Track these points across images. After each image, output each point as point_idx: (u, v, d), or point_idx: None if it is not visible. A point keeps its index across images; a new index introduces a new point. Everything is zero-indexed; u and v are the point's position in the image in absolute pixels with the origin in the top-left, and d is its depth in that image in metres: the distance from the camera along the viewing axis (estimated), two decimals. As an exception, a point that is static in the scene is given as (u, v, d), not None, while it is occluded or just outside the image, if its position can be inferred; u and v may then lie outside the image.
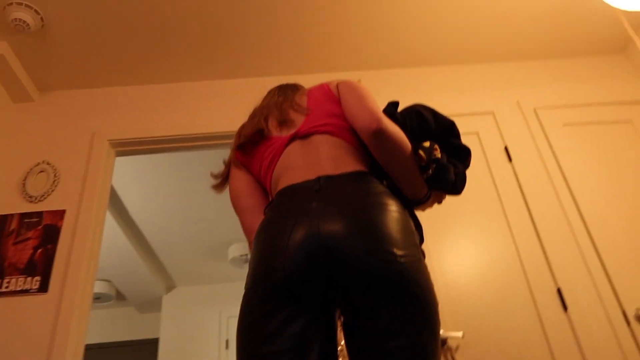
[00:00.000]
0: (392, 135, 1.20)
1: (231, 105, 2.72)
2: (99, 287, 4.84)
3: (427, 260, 2.10)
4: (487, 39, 2.75)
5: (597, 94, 2.69)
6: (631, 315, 2.03)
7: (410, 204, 1.28)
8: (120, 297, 5.27)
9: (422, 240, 1.26)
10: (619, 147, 2.50)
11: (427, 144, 1.26)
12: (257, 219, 1.31)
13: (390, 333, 0.99)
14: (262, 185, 1.39)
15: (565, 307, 2.05)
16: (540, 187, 2.37)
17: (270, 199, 1.34)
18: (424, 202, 1.30)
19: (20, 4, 2.27)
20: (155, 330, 5.32)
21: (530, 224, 2.27)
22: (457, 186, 1.30)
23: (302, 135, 1.31)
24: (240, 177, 1.40)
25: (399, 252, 1.03)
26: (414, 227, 1.15)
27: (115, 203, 3.68)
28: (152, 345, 5.22)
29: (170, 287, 5.27)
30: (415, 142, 1.27)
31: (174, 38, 2.55)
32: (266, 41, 2.62)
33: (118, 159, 2.70)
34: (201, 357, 4.88)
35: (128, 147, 2.62)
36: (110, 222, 3.74)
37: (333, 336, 1.08)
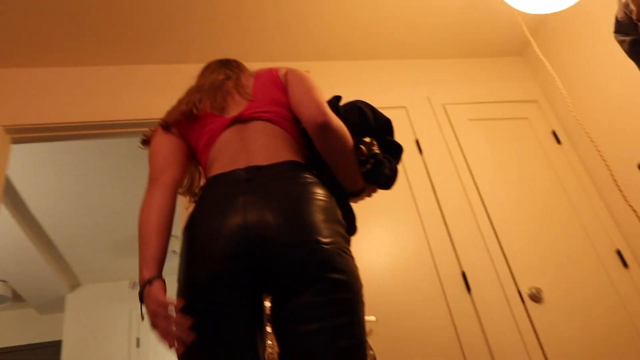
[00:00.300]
0: (336, 129, 1.23)
1: (142, 93, 2.59)
2: (-8, 288, 4.46)
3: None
4: (399, 37, 2.85)
5: (498, 93, 2.90)
6: (525, 294, 2.22)
7: (346, 196, 1.32)
8: (17, 298, 4.88)
9: (355, 229, 1.31)
10: (517, 141, 2.72)
11: (367, 139, 1.33)
12: (169, 170, 1.26)
13: (313, 317, 1.02)
14: (196, 158, 1.36)
15: (469, 289, 2.20)
16: (447, 177, 2.51)
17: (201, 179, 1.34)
18: (359, 194, 1.35)
19: None
20: (58, 332, 4.98)
21: (438, 212, 2.40)
22: (390, 181, 1.36)
23: (243, 120, 1.30)
24: (169, 138, 1.33)
25: (324, 240, 1.07)
26: (340, 216, 1.19)
27: (11, 195, 3.38)
28: (54, 348, 4.90)
29: (74, 286, 4.97)
30: (357, 136, 1.32)
31: (81, 19, 2.37)
32: (179, 25, 2.53)
33: (14, 146, 2.48)
34: (109, 357, 4.66)
35: (26, 134, 2.41)
36: (5, 216, 3.44)
37: (263, 323, 1.12)
